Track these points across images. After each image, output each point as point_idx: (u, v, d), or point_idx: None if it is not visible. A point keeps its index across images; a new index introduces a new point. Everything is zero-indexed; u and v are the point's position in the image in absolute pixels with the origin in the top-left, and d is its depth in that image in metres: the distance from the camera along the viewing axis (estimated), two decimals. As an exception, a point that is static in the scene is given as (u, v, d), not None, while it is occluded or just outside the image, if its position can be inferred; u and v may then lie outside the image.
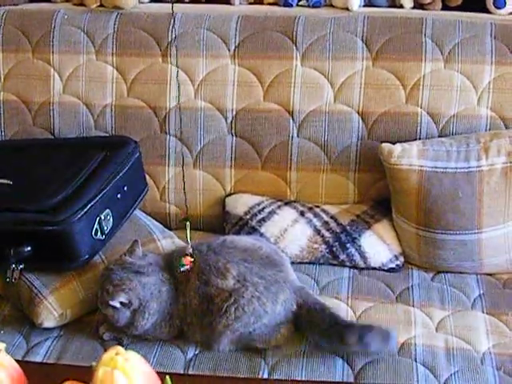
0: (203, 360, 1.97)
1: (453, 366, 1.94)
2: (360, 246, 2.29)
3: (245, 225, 2.33)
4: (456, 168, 2.22)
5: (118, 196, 2.21)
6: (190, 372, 1.93)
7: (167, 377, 1.33)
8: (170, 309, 1.99)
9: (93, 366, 1.29)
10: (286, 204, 2.38)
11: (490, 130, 2.34)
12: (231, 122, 2.41)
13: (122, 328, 2.00)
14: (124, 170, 2.23)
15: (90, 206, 2.08)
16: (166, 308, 1.99)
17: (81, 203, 2.08)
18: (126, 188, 2.24)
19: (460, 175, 2.22)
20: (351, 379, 1.92)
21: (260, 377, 1.91)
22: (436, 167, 2.22)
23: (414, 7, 2.55)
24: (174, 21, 2.44)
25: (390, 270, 2.29)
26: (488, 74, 2.35)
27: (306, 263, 2.31)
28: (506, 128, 2.35)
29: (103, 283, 1.97)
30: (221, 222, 2.42)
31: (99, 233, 2.12)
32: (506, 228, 2.24)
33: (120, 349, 1.30)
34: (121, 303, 1.94)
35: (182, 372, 1.93)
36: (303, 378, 1.91)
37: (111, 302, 1.94)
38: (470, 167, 2.22)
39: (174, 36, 2.42)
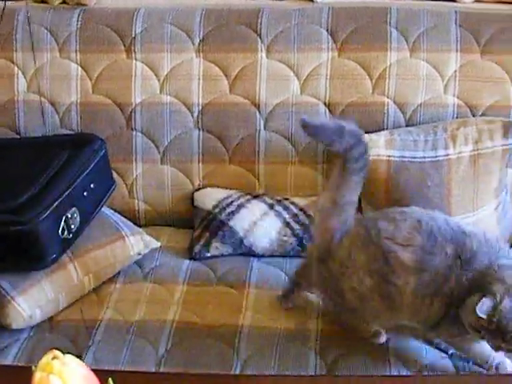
0: (175, 356, 1.96)
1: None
2: (329, 237, 2.28)
3: (214, 219, 2.32)
4: (424, 157, 2.22)
5: (85, 194, 2.19)
6: (162, 369, 1.93)
7: (110, 379, 1.31)
8: None
9: (33, 369, 1.26)
10: (255, 197, 2.37)
11: (457, 118, 2.34)
12: (197, 116, 2.39)
13: None
14: (90, 167, 2.21)
15: (55, 204, 2.06)
16: None
17: (46, 202, 2.06)
18: (92, 185, 2.22)
19: (428, 164, 2.22)
20: (324, 372, 1.92)
21: (232, 372, 1.91)
22: (404, 157, 2.22)
23: (378, -3, 2.55)
24: (138, 16, 2.42)
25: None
26: (454, 63, 2.35)
27: (276, 256, 2.31)
28: (473, 116, 2.35)
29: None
30: (190, 216, 2.41)
31: (66, 231, 2.11)
32: (475, 216, 2.25)
33: (57, 353, 1.27)
34: None
35: (153, 370, 1.92)
36: (276, 373, 1.91)
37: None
38: (437, 156, 2.22)
39: (137, 31, 2.40)
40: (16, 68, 2.44)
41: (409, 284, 1.82)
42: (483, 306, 1.68)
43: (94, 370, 1.62)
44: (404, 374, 1.91)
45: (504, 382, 1.73)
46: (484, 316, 1.69)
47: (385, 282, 1.86)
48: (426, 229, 1.84)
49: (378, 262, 1.86)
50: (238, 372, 1.91)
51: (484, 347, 1.83)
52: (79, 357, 1.87)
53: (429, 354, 1.96)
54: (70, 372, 1.25)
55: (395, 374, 1.90)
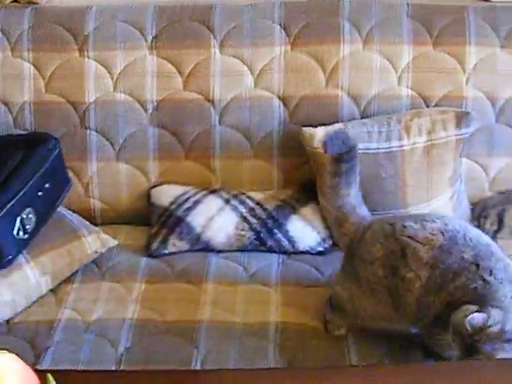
0: (135, 354, 1.95)
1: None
2: (287, 230, 2.29)
3: (170, 215, 2.31)
4: (378, 148, 2.24)
5: (40, 194, 2.17)
6: (122, 367, 1.91)
7: (48, 374, 1.30)
8: None
9: None
10: (211, 192, 2.37)
11: (410, 109, 2.37)
12: (152, 113, 2.38)
13: None
14: (45, 167, 2.19)
15: (10, 205, 2.05)
16: None
17: (1, 203, 2.04)
18: (47, 185, 2.20)
19: (382, 155, 2.24)
20: (284, 365, 1.92)
21: (193, 367, 1.91)
22: (358, 148, 2.22)
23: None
24: (90, 14, 2.41)
25: (319, 253, 2.29)
26: (407, 54, 2.37)
27: (234, 251, 2.30)
28: (427, 107, 2.37)
29: (466, 345, 1.73)
30: (147, 214, 2.40)
31: (22, 232, 2.09)
32: (430, 205, 2.27)
33: None
34: None
35: (113, 368, 1.91)
36: (235, 367, 1.91)
37: None
38: (391, 147, 2.24)
39: (89, 29, 2.39)
40: (-32, 68, 2.43)
41: (420, 278, 1.81)
42: (474, 320, 1.67)
43: (52, 371, 1.62)
44: (364, 364, 1.92)
45: (469, 369, 1.74)
46: (469, 329, 1.68)
47: (396, 275, 1.85)
48: (450, 232, 1.83)
49: (394, 255, 1.85)
50: (197, 367, 1.91)
51: None
52: (37, 358, 1.91)
53: (390, 343, 1.97)
54: (3, 368, 1.24)
55: (355, 364, 1.91)
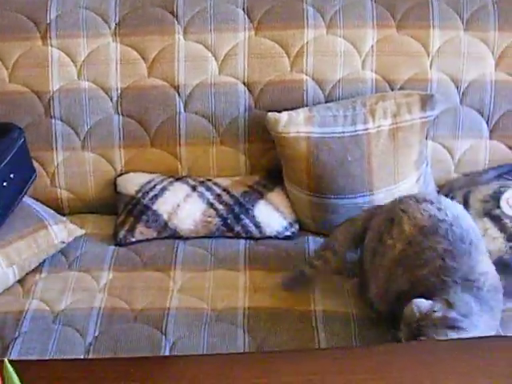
0: (103, 342, 1.95)
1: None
2: (254, 216, 2.29)
3: (137, 203, 2.31)
4: (343, 132, 2.24)
5: (5, 184, 2.15)
6: (91, 356, 1.91)
7: (5, 360, 1.29)
8: None
9: None
10: (178, 180, 2.37)
11: (375, 92, 2.37)
12: (117, 101, 2.37)
13: None
14: (9, 157, 2.18)
15: (-26, 195, 2.04)
16: None
17: (-36, 194, 2.03)
18: (12, 176, 2.18)
19: (348, 139, 2.24)
20: (253, 349, 1.93)
21: (162, 354, 1.91)
22: (323, 133, 2.23)
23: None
24: (52, 1, 2.39)
25: (286, 238, 2.29)
26: (370, 38, 2.38)
27: (202, 237, 2.30)
28: (392, 90, 2.38)
29: (412, 332, 1.77)
30: (114, 202, 2.39)
31: (-14, 223, 2.08)
32: (397, 188, 2.28)
33: None
34: None
35: (82, 357, 1.91)
36: (205, 352, 1.91)
37: None
38: (357, 130, 2.24)
39: (52, 17, 2.37)
40: None
41: (396, 248, 1.89)
42: (421, 304, 1.73)
43: (21, 362, 1.61)
44: (333, 346, 1.93)
45: (430, 349, 1.76)
46: (417, 314, 1.72)
47: (380, 240, 1.94)
48: (437, 218, 1.90)
49: (385, 223, 1.96)
50: (166, 354, 1.91)
51: None
52: (5, 349, 1.90)
53: (358, 326, 1.99)
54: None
55: (324, 347, 1.92)
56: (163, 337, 1.96)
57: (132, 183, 2.37)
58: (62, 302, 2.08)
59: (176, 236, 2.30)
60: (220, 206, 2.30)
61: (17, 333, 1.97)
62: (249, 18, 2.37)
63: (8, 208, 2.17)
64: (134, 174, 2.40)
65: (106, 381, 1.58)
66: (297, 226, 2.32)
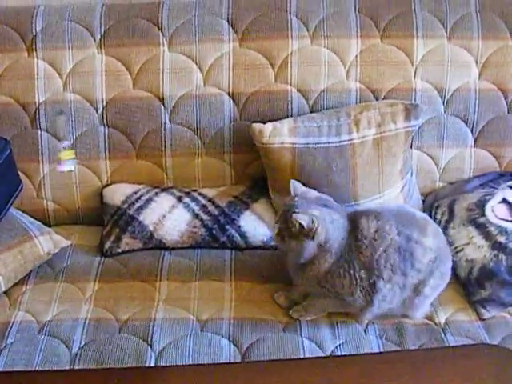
0: (89, 353, 1.96)
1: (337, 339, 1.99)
2: (240, 226, 2.30)
3: (123, 214, 2.31)
4: (328, 143, 2.25)
5: (-10, 196, 2.17)
6: (77, 366, 1.91)
7: None
8: (348, 257, 1.95)
9: None
10: (163, 190, 2.37)
11: (360, 102, 2.38)
12: (102, 112, 2.38)
13: (303, 269, 1.98)
14: (-6, 169, 2.19)
15: (-41, 208, 2.04)
16: (344, 255, 1.95)
17: (-50, 206, 2.03)
18: (-2, 187, 2.19)
19: (332, 149, 2.25)
20: (238, 359, 1.94)
21: (147, 364, 1.91)
22: (308, 143, 2.24)
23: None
24: (37, 14, 2.39)
25: (272, 248, 2.29)
26: (354, 48, 2.39)
27: (187, 248, 2.31)
28: (376, 99, 2.39)
29: (285, 214, 1.96)
30: (100, 213, 2.40)
31: (-28, 234, 2.08)
32: (381, 198, 2.29)
33: None
34: (305, 228, 1.90)
35: (68, 368, 1.91)
36: (190, 362, 1.92)
37: (296, 217, 1.89)
38: (341, 141, 2.25)
39: (37, 29, 2.37)
40: None
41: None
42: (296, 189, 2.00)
43: (6, 373, 1.61)
44: (317, 355, 1.94)
45: (413, 357, 1.77)
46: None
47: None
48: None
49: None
50: (152, 364, 1.91)
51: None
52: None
53: (341, 335, 2.00)
54: None
55: (309, 356, 1.93)
56: (149, 347, 1.96)
57: (118, 194, 2.37)
58: (48, 312, 2.09)
59: (162, 247, 2.31)
60: (205, 217, 2.30)
61: (3, 344, 1.98)
62: (233, 29, 2.38)
63: (-6, 220, 2.17)
64: (119, 185, 2.40)
65: (92, 391, 1.59)
66: (282, 236, 2.32)
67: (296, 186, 2.02)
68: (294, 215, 1.90)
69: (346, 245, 1.94)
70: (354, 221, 1.98)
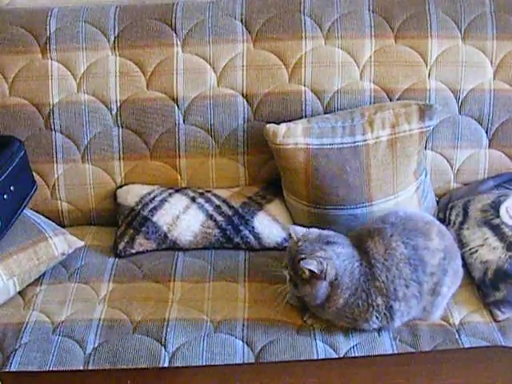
0: (103, 353, 1.95)
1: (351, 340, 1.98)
2: (253, 227, 2.30)
3: (137, 215, 2.32)
4: (342, 143, 2.24)
5: (5, 197, 2.16)
6: (90, 367, 1.91)
7: None
8: (365, 286, 1.95)
9: None
10: (177, 191, 2.38)
11: (374, 103, 2.38)
12: (116, 113, 2.38)
13: (321, 306, 1.98)
14: (9, 170, 2.18)
15: (-25, 208, 2.04)
16: (359, 285, 1.95)
17: (-35, 207, 2.04)
18: (12, 188, 2.19)
19: (346, 150, 2.24)
20: (252, 360, 1.93)
21: (161, 365, 1.91)
22: (322, 144, 2.23)
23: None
24: (51, 15, 2.40)
25: (285, 249, 2.28)
26: (368, 48, 2.38)
27: (201, 249, 2.31)
28: (390, 100, 2.38)
29: (292, 261, 1.97)
30: (114, 214, 2.41)
31: (-13, 235, 2.09)
32: (396, 199, 2.28)
33: None
34: (316, 273, 1.91)
35: (81, 368, 1.91)
36: (204, 363, 1.92)
37: (304, 264, 1.91)
38: (356, 142, 2.25)
39: (52, 31, 2.38)
40: None
41: None
42: (298, 229, 2.02)
43: (20, 373, 1.62)
44: (331, 357, 1.93)
45: (429, 359, 1.76)
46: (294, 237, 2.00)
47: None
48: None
49: None
50: (166, 365, 1.91)
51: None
52: (6, 361, 1.91)
53: (355, 336, 1.99)
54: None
55: (322, 357, 1.92)
56: (162, 348, 1.96)
57: (132, 195, 2.37)
58: (62, 313, 2.09)
59: (175, 247, 2.31)
60: (219, 218, 2.31)
61: (17, 344, 1.98)
62: (247, 29, 2.38)
63: (8, 220, 2.17)
64: (133, 186, 2.41)
65: (106, 392, 1.59)
66: (296, 237, 2.32)
67: (296, 231, 2.03)
68: (302, 263, 1.91)
69: (359, 275, 1.94)
70: (359, 246, 1.99)
